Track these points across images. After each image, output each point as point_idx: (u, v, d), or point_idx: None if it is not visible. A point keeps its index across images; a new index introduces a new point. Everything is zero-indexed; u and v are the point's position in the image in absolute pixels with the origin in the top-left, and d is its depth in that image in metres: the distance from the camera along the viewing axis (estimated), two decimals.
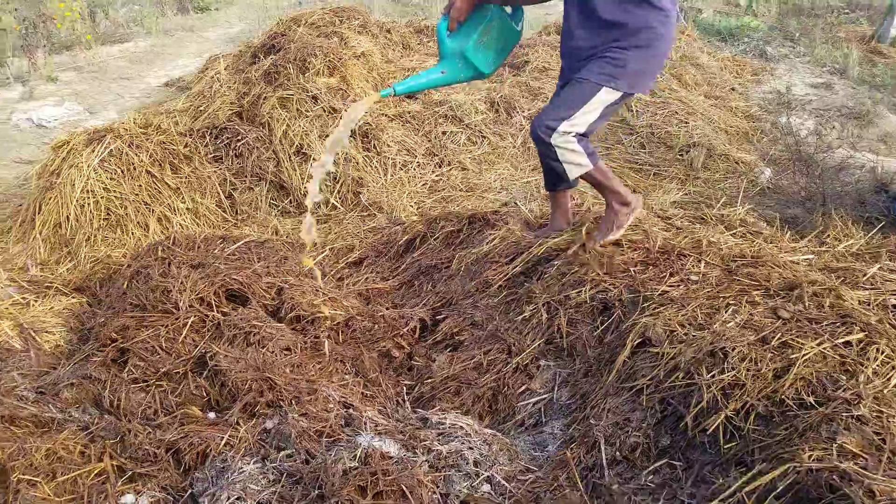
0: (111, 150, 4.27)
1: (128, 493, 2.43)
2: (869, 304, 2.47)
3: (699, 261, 2.83)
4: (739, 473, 2.00)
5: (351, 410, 2.65)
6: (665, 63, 2.89)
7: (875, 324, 2.28)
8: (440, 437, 2.50)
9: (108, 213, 4.19)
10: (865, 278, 2.65)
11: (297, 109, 4.89)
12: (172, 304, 3.15)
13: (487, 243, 3.50)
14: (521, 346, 2.90)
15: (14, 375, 3.01)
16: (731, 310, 2.47)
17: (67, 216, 4.13)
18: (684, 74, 6.36)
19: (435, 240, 3.83)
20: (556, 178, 3.11)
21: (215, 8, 10.26)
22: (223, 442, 2.51)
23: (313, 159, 3.42)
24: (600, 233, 3.08)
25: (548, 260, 3.13)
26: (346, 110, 3.07)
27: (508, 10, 2.96)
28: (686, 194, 4.60)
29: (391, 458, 2.31)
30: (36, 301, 3.62)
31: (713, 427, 2.12)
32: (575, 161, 2.91)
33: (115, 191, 4.21)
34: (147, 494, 2.41)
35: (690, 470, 2.14)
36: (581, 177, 3.01)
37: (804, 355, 2.16)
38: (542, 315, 2.95)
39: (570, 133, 2.86)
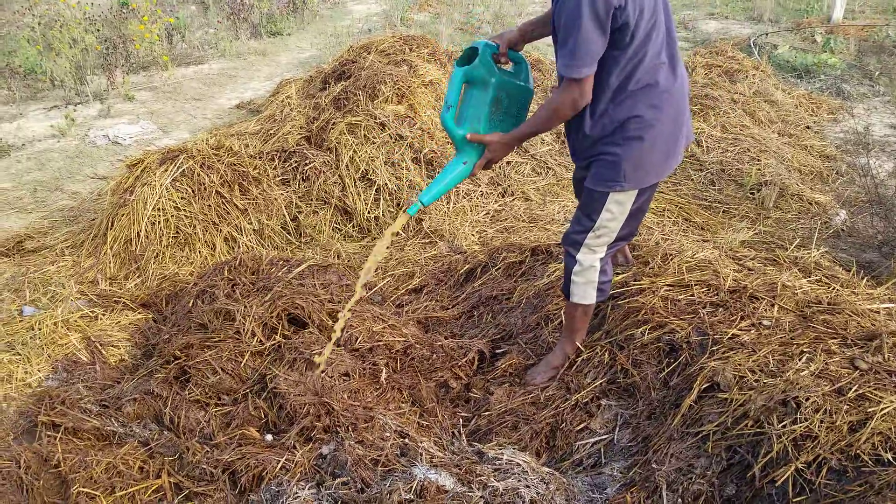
0: (183, 169, 4.37)
1: None
2: None
3: (772, 305, 2.74)
4: None
5: (407, 440, 2.64)
6: (683, 142, 2.65)
7: None
8: (496, 473, 2.46)
9: (177, 232, 4.28)
10: None
11: (365, 135, 4.94)
12: (235, 326, 3.19)
13: (549, 276, 3.46)
14: (581, 384, 2.85)
15: (79, 388, 3.09)
16: (805, 358, 2.38)
17: (138, 233, 4.22)
18: (758, 111, 6.22)
19: (496, 270, 3.81)
20: (563, 285, 2.96)
21: (287, 33, 10.50)
22: (279, 465, 2.52)
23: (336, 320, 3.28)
24: (544, 368, 3.02)
25: (612, 297, 3.06)
26: (379, 240, 2.97)
27: (508, 66, 2.72)
28: (756, 234, 4.47)
29: (447, 492, 2.27)
30: (104, 315, 3.71)
31: (782, 479, 2.05)
32: (583, 289, 2.82)
33: (185, 209, 4.30)
34: None
35: None
36: (566, 308, 2.95)
37: (882, 409, 2.08)
38: (604, 354, 2.89)
39: (595, 254, 2.76)
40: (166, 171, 4.36)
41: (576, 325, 2.95)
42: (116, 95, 7.54)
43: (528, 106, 2.78)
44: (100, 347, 3.45)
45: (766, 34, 9.33)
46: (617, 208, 2.65)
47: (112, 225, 4.32)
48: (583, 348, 2.97)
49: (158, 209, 4.27)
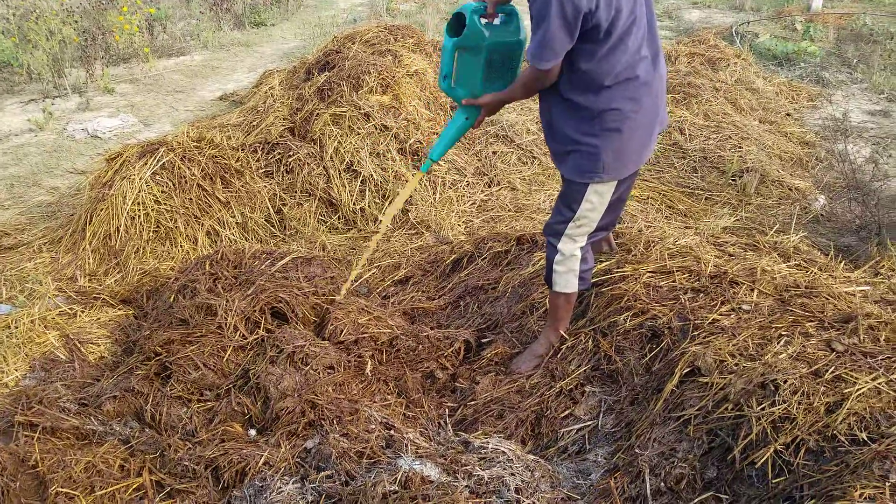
0: (163, 163, 4.33)
1: None
2: None
3: (752, 289, 2.76)
4: None
5: (392, 432, 2.63)
6: (658, 129, 2.67)
7: None
8: (482, 462, 2.47)
9: (157, 226, 4.24)
10: None
11: (349, 126, 4.92)
12: (217, 321, 3.18)
13: (534, 265, 3.46)
14: (566, 371, 2.86)
15: (58, 386, 3.05)
16: (783, 341, 2.41)
17: (118, 228, 4.18)
18: (739, 99, 6.25)
19: (482, 260, 3.81)
20: (545, 274, 2.97)
21: (271, 24, 10.44)
22: (262, 461, 2.51)
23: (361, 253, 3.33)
24: (529, 356, 3.04)
25: (595, 285, 3.08)
26: (395, 195, 3.01)
27: (497, 21, 2.68)
28: (738, 220, 4.50)
29: (431, 482, 2.28)
30: (83, 312, 3.66)
31: (762, 461, 2.07)
32: (564, 278, 2.85)
33: (165, 203, 4.27)
34: None
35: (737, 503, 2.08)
36: (549, 297, 2.99)
37: (858, 390, 2.10)
38: (588, 341, 2.91)
39: (576, 243, 2.79)
40: (146, 164, 4.32)
41: (559, 314, 2.98)
42: (96, 88, 7.45)
43: (521, 56, 2.79)
44: (79, 345, 3.40)
45: (748, 23, 9.39)
46: (597, 199, 2.68)
47: (91, 220, 4.27)
48: (567, 336, 2.98)
49: (138, 203, 4.23)
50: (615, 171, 2.62)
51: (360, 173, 4.75)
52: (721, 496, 2.12)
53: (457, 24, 2.70)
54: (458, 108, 2.88)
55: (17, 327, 3.45)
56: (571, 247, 2.80)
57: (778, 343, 2.40)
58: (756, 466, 2.08)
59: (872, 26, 8.99)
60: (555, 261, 2.83)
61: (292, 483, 2.39)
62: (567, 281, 2.86)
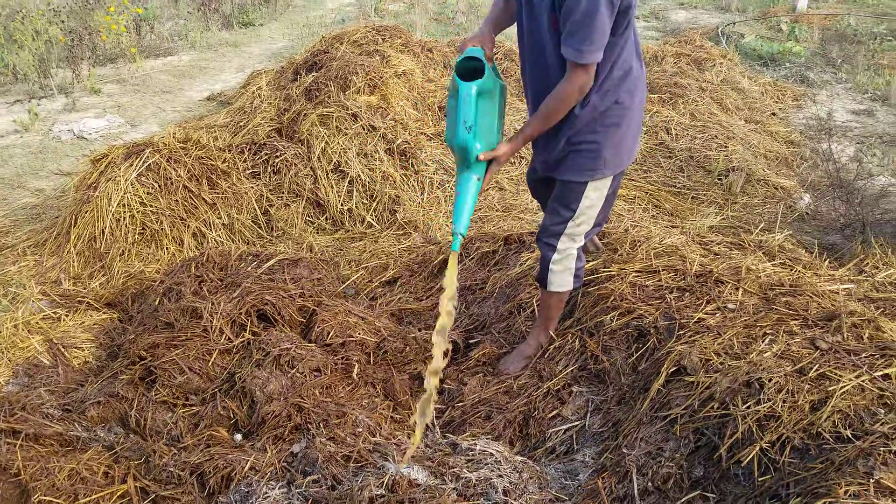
0: (149, 164, 4.30)
1: None
2: None
3: (737, 288, 2.77)
4: None
5: (378, 436, 2.63)
6: (644, 116, 2.64)
7: None
8: (469, 464, 2.46)
9: (143, 228, 4.21)
10: None
11: (337, 127, 4.91)
12: (203, 324, 3.15)
13: (522, 265, 3.47)
14: (553, 372, 2.86)
15: (41, 392, 3.01)
16: (768, 339, 2.42)
17: (103, 230, 4.14)
18: (725, 99, 6.28)
19: (470, 260, 3.81)
20: (539, 275, 2.92)
21: (259, 24, 10.40)
22: (248, 466, 2.49)
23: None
24: (517, 357, 3.03)
25: (583, 284, 3.08)
26: (443, 295, 2.58)
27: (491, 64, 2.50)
28: (724, 219, 4.52)
29: (419, 485, 2.27)
30: (67, 316, 3.63)
31: (748, 459, 2.07)
32: (560, 277, 2.83)
33: (151, 205, 4.24)
34: None
35: (724, 502, 2.09)
36: (541, 297, 2.96)
37: (842, 387, 2.11)
38: (575, 341, 2.91)
39: (575, 242, 2.77)
40: (131, 165, 4.29)
41: (551, 314, 2.97)
42: (82, 89, 7.40)
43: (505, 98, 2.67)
44: (63, 349, 3.36)
45: (734, 23, 9.44)
46: (595, 195, 2.68)
47: (76, 222, 4.23)
48: (555, 336, 2.98)
49: (123, 205, 4.19)
50: (615, 166, 2.63)
51: (348, 174, 4.74)
52: (708, 495, 2.12)
53: (468, 69, 2.48)
54: (465, 168, 2.52)
55: None
56: (571, 246, 2.78)
57: (763, 342, 2.40)
58: (742, 465, 2.08)
59: (856, 27, 9.07)
60: (552, 260, 2.80)
61: (278, 488, 2.37)
62: (563, 280, 2.84)
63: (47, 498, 2.45)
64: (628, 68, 2.48)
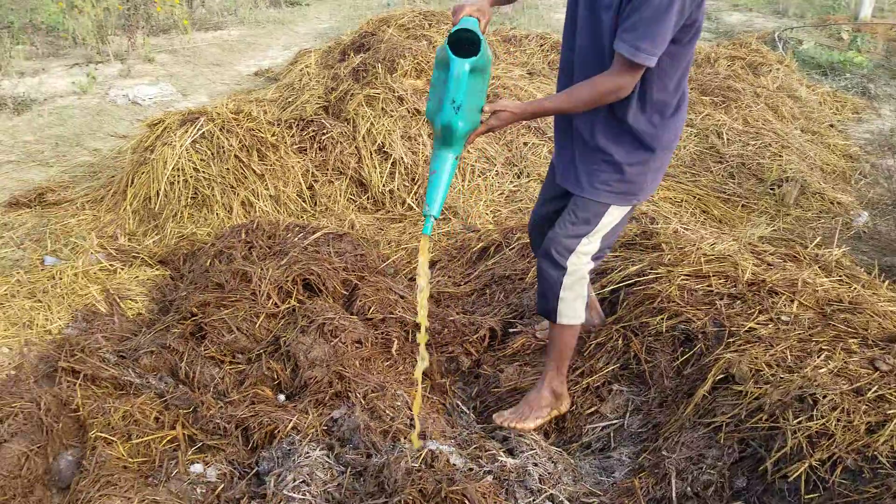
0: (203, 132, 4.37)
1: (197, 462, 2.51)
2: None
3: (792, 300, 2.71)
4: None
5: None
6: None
7: None
8: (505, 450, 2.46)
9: (195, 193, 4.28)
10: None
11: (383, 108, 4.92)
12: (252, 287, 3.21)
13: None
14: (593, 368, 2.84)
15: (98, 337, 3.12)
16: (823, 355, 2.37)
17: (157, 191, 4.24)
18: (780, 106, 6.14)
19: (510, 250, 3.80)
20: (544, 306, 2.61)
21: (306, 3, 10.48)
22: (291, 425, 2.55)
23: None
24: (516, 413, 2.65)
25: (626, 284, 3.05)
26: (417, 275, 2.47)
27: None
28: (775, 230, 4.44)
29: (454, 464, 2.28)
30: (122, 269, 3.75)
31: (796, 475, 2.04)
32: (572, 307, 2.52)
33: (203, 171, 4.30)
34: (215, 466, 2.49)
35: None
36: (551, 330, 2.63)
37: None
38: (618, 339, 2.88)
39: (587, 265, 2.49)
40: (186, 132, 4.35)
41: (565, 353, 2.64)
42: (137, 56, 7.56)
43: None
44: (118, 300, 3.48)
45: (791, 29, 9.20)
46: (618, 212, 2.46)
47: (132, 182, 4.35)
48: (564, 389, 2.72)
49: (178, 169, 4.27)
50: (648, 193, 2.46)
51: (391, 155, 4.75)
52: None
53: (459, 40, 2.30)
54: (444, 146, 2.35)
55: (60, 279, 3.58)
56: (581, 266, 2.49)
57: (818, 357, 2.36)
58: (789, 480, 2.05)
59: None
60: (563, 285, 2.48)
61: (319, 450, 2.41)
62: (575, 310, 2.54)
63: (103, 435, 2.56)
64: (685, 90, 2.34)
